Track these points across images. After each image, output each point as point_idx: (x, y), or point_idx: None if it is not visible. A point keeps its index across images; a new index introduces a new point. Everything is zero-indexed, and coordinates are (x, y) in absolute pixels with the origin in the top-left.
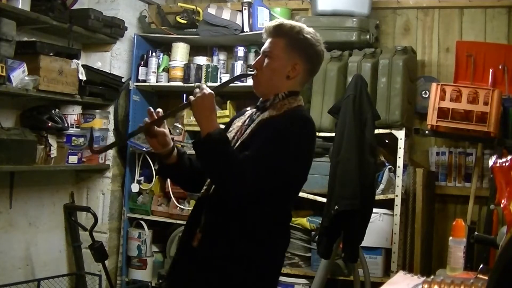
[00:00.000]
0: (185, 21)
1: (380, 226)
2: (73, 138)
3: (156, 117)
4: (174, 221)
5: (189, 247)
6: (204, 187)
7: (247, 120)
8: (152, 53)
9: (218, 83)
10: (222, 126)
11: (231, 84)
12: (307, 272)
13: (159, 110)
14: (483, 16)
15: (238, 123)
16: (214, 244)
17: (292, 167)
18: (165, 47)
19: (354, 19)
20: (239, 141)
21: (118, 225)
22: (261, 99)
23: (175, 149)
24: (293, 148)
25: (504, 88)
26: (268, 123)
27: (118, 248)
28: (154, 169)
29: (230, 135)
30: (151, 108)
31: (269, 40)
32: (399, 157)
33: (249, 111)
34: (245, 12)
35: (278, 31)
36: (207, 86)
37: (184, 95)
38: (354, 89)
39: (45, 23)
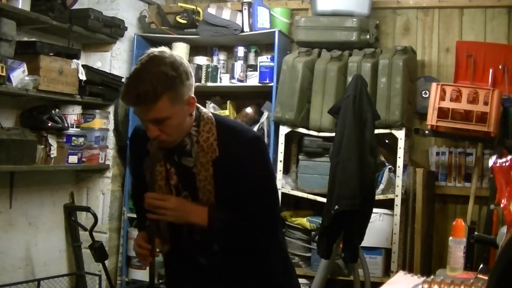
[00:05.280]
0: (185, 21)
1: (380, 226)
2: (73, 138)
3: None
4: None
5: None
6: None
7: (171, 166)
8: None
9: (218, 84)
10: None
11: (231, 84)
12: (307, 272)
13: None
14: (483, 16)
15: (158, 167)
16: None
17: (275, 187)
18: (165, 47)
19: (354, 19)
20: (206, 189)
21: (118, 225)
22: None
23: None
24: (270, 172)
25: (504, 88)
26: (231, 165)
27: (118, 248)
28: None
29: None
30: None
31: (148, 109)
32: (399, 157)
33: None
34: (245, 12)
35: (155, 96)
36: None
37: None
38: (354, 89)
39: (45, 23)
